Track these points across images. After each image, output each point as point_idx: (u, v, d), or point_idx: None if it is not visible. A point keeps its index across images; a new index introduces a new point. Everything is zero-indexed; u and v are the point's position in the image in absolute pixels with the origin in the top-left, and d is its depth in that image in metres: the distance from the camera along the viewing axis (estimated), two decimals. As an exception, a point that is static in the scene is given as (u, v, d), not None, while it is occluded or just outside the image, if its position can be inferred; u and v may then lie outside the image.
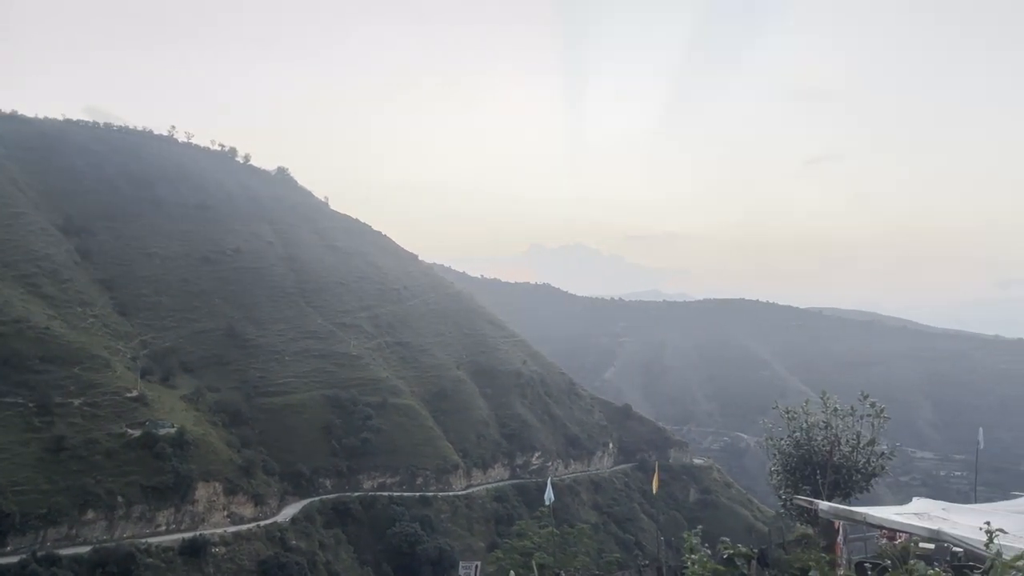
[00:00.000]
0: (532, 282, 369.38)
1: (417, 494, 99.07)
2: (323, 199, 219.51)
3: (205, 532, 75.08)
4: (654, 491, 32.21)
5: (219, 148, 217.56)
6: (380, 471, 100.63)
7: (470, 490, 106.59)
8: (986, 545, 6.52)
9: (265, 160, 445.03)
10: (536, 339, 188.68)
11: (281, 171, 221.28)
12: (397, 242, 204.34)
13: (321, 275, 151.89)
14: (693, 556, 6.13)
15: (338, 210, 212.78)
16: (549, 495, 25.15)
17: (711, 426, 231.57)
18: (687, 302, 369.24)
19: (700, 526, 10.22)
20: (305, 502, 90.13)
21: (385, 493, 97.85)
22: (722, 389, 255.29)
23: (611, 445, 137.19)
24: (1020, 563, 6.01)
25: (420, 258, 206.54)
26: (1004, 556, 6.29)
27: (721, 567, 6.57)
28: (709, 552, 7.02)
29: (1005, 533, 7.58)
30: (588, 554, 46.82)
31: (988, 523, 6.86)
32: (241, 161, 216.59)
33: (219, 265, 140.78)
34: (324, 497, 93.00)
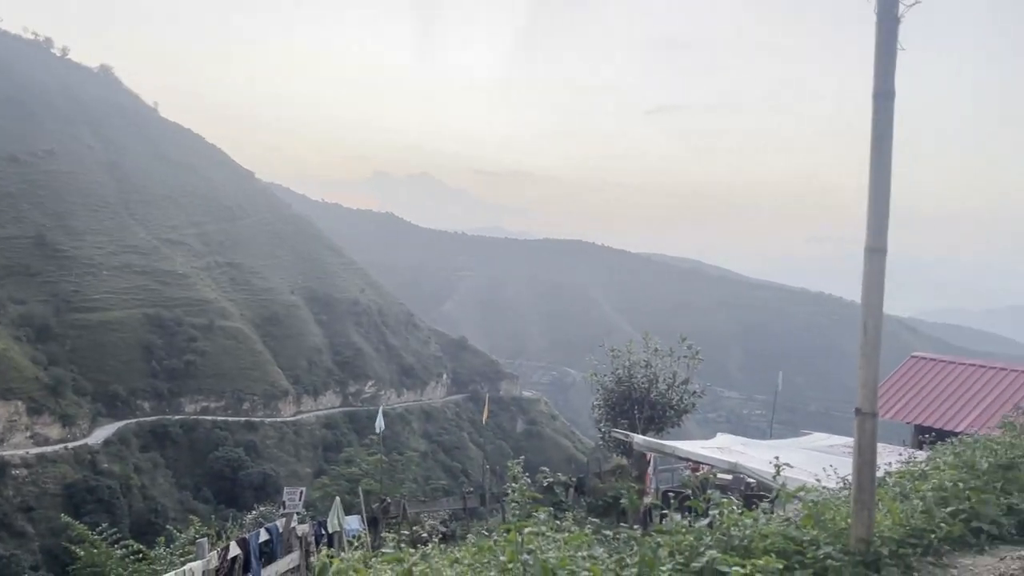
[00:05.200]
0: (375, 210, 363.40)
1: (243, 419, 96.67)
2: (152, 104, 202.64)
3: (4, 453, 69.89)
4: (484, 421, 33.16)
5: (33, 37, 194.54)
6: (204, 395, 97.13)
7: (299, 417, 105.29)
8: (774, 477, 7.21)
9: (87, 56, 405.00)
10: (376, 268, 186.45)
11: (104, 69, 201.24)
12: (232, 157, 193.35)
13: (147, 186, 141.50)
14: (514, 484, 6.36)
15: (168, 118, 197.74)
16: (380, 424, 25.23)
17: (542, 361, 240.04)
18: (528, 240, 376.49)
19: (523, 456, 10.61)
20: (120, 424, 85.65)
21: (209, 417, 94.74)
22: (555, 326, 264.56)
23: (445, 376, 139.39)
24: (801, 493, 6.67)
25: (257, 176, 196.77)
26: (788, 487, 7.01)
27: (539, 494, 6.85)
28: (530, 481, 7.33)
29: (791, 467, 8.43)
30: (415, 481, 47.76)
31: (777, 458, 7.63)
32: (58, 54, 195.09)
33: (29, 167, 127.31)
34: (141, 420, 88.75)
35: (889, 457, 11.31)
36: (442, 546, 8.34)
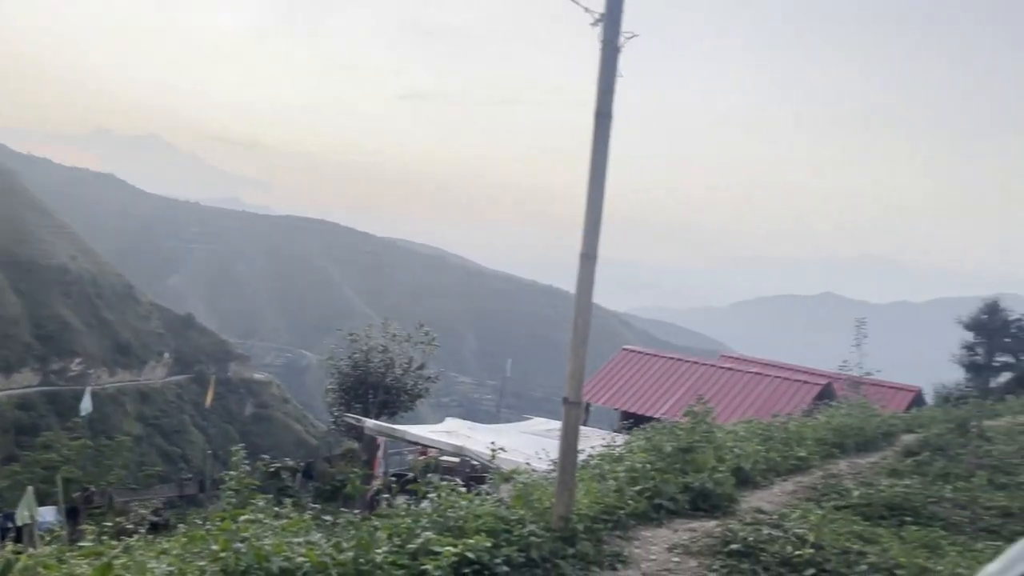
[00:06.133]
0: (94, 169, 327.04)
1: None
2: None
3: None
4: (207, 404, 31.49)
5: None
6: None
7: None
8: (490, 460, 7.71)
9: None
10: (93, 234, 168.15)
11: None
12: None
13: None
14: (231, 472, 6.20)
15: None
16: (86, 404, 23.12)
17: (277, 342, 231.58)
18: (268, 216, 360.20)
19: (251, 441, 10.31)
20: None
21: None
22: (292, 307, 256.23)
23: (167, 355, 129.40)
24: (514, 475, 7.20)
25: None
26: (504, 469, 7.54)
27: (257, 481, 6.74)
28: (251, 467, 7.16)
29: (507, 451, 9.04)
30: (126, 467, 44.06)
31: (493, 442, 8.16)
32: None
33: None
34: None
35: (596, 441, 12.46)
36: (150, 537, 7.88)
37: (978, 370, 34.77)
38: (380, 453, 19.83)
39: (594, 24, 5.87)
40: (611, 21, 5.98)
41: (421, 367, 26.46)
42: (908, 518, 8.24)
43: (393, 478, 17.64)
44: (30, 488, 15.59)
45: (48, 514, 15.51)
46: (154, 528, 14.37)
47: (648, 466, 8.30)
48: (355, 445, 22.69)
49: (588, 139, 6.22)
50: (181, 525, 10.79)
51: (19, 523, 14.15)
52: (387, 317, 28.38)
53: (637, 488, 7.82)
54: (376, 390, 25.03)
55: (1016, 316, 35.71)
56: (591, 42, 6.05)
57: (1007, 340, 35.24)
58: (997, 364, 35.26)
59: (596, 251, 6.24)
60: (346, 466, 19.66)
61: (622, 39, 6.04)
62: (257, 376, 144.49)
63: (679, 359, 28.33)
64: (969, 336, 35.78)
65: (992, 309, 35.68)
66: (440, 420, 22.86)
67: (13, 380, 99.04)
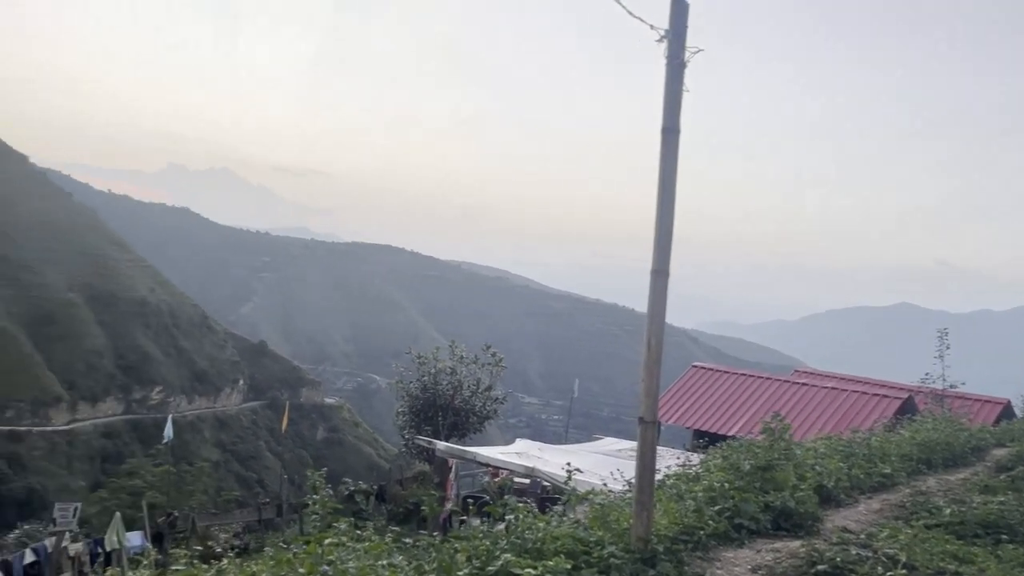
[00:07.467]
0: (169, 204, 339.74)
1: (6, 428, 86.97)
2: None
3: None
4: (283, 430, 32.09)
5: None
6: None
7: (74, 425, 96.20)
8: (566, 482, 7.67)
9: None
10: (169, 266, 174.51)
11: None
12: (4, 140, 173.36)
13: None
14: (315, 496, 6.31)
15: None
16: (168, 432, 23.83)
17: (346, 367, 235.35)
18: (334, 243, 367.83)
19: (324, 465, 10.48)
20: None
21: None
22: (360, 331, 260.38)
23: (242, 382, 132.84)
24: (590, 496, 7.14)
25: (32, 160, 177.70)
26: (579, 491, 7.49)
27: (340, 504, 6.84)
28: (331, 491, 7.29)
29: (583, 472, 8.98)
30: (206, 492, 45.20)
31: (569, 463, 8.13)
32: None
33: None
34: None
35: (670, 460, 12.29)
36: (238, 560, 8.07)
37: (1071, 380, 33.09)
38: (452, 475, 19.92)
39: (659, 41, 5.87)
40: (676, 36, 5.97)
41: (489, 388, 26.57)
42: (1004, 536, 7.87)
43: (470, 499, 17.68)
44: (117, 514, 16.07)
45: (135, 538, 15.99)
46: (238, 552, 14.68)
47: (727, 485, 8.13)
48: (426, 467, 22.84)
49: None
50: (268, 549, 11.00)
51: (108, 548, 14.60)
52: (454, 339, 28.61)
53: (716, 508, 7.67)
54: (445, 412, 25.21)
55: None
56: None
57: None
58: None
59: (668, 267, 6.19)
60: (418, 488, 19.81)
61: (687, 54, 6.02)
62: (328, 401, 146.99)
63: (751, 375, 27.72)
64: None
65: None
66: (508, 441, 22.89)
67: (99, 409, 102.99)
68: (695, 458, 11.86)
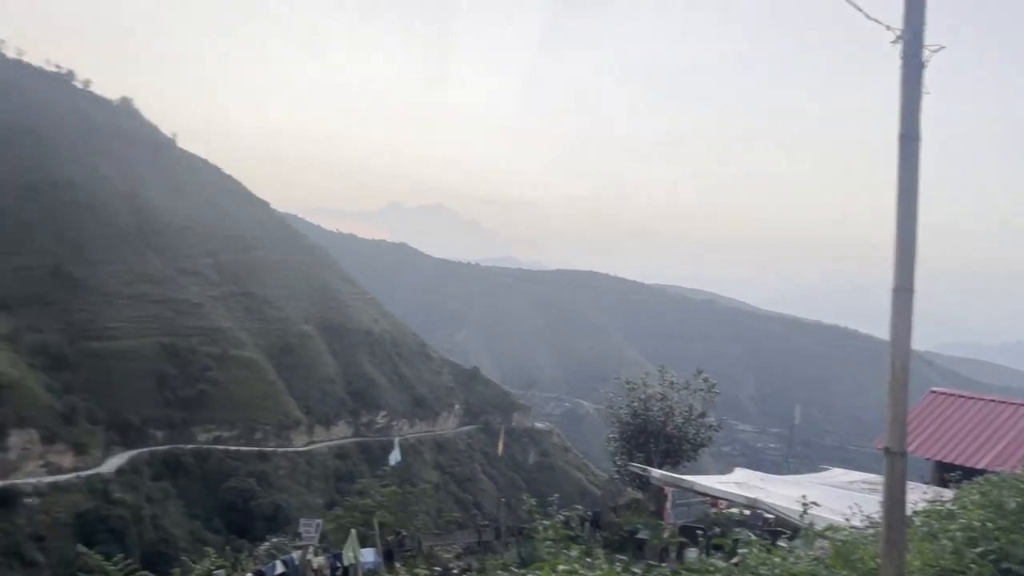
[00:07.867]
0: (389, 240, 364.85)
1: (255, 449, 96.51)
2: (171, 135, 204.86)
3: (17, 482, 69.95)
4: (499, 453, 32.92)
5: (55, 69, 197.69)
6: (216, 424, 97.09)
7: (311, 447, 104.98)
8: (801, 516, 7.19)
9: (108, 88, 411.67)
10: (390, 299, 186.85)
11: (125, 101, 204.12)
12: (248, 187, 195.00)
13: (163, 216, 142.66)
14: (545, 522, 6.36)
15: (186, 148, 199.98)
16: (396, 455, 25.21)
17: (554, 392, 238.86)
18: (540, 271, 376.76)
19: (537, 489, 10.59)
20: (133, 453, 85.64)
21: (221, 447, 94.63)
22: (566, 357, 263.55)
23: (457, 407, 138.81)
24: (828, 532, 6.66)
25: (272, 206, 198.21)
26: (815, 526, 6.99)
27: (569, 531, 6.86)
28: (563, 517, 7.34)
29: (818, 505, 8.40)
30: (428, 513, 47.29)
31: (804, 496, 7.62)
32: (80, 86, 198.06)
33: (48, 197, 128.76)
34: (154, 449, 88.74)
35: (913, 495, 11.20)
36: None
37: None
38: (668, 504, 19.44)
39: (894, 42, 5.44)
40: (913, 35, 5.50)
41: (702, 415, 25.76)
42: None
43: (699, 530, 17.13)
44: (353, 531, 17.19)
45: (368, 555, 17.00)
46: (462, 573, 15.15)
47: (989, 525, 7.25)
48: (639, 495, 22.48)
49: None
50: (484, 570, 11.27)
51: (345, 563, 15.67)
52: (663, 364, 28.08)
53: (978, 550, 6.84)
54: (657, 439, 24.74)
55: None
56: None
57: None
58: None
59: (912, 283, 5.67)
60: (633, 516, 19.53)
61: (926, 53, 5.53)
62: (538, 425, 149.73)
63: (1000, 401, 24.79)
64: None
65: None
66: (722, 470, 22.05)
67: (332, 432, 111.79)
68: (945, 493, 10.74)
